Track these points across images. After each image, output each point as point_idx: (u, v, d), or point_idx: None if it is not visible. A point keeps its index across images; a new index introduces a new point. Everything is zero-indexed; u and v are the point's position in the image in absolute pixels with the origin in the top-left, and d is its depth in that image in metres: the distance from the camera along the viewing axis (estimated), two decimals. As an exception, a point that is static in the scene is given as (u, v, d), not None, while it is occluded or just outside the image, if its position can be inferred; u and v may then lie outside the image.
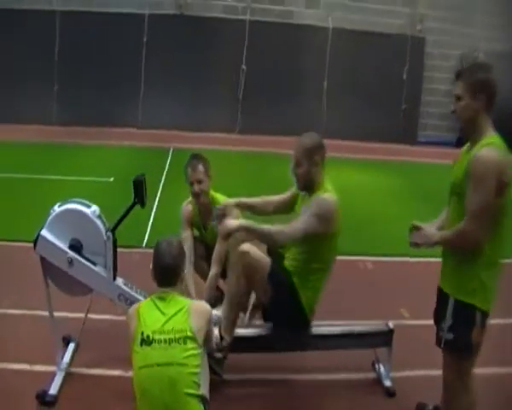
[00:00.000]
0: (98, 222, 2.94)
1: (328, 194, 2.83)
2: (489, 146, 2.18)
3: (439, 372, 2.47)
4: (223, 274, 3.64)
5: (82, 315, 3.25)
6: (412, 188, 8.24)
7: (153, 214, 6.01)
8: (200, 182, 3.37)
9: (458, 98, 2.25)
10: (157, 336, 2.25)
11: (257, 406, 3.07)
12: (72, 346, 3.33)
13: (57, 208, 2.96)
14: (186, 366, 2.23)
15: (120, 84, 10.85)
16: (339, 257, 3.09)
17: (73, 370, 3.19)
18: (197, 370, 2.29)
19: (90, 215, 2.92)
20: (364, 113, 10.88)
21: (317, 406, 3.12)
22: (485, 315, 2.28)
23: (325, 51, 10.96)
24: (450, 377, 2.39)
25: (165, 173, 8.02)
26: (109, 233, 2.88)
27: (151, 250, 2.50)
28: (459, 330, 2.29)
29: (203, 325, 2.36)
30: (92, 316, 3.33)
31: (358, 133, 10.75)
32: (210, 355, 3.00)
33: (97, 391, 3.03)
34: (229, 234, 2.83)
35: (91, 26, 10.55)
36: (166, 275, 2.39)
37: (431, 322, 2.52)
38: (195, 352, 2.28)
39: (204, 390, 2.39)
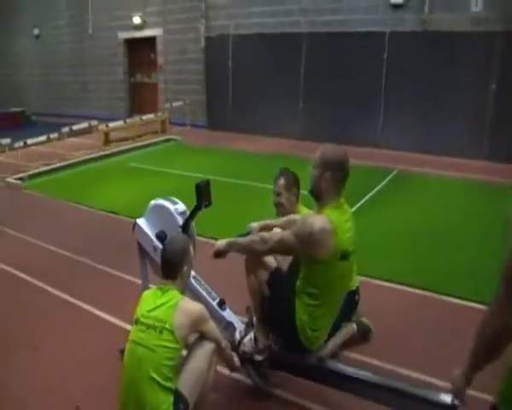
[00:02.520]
0: (179, 218, 3.37)
1: (322, 217, 2.64)
2: None
3: None
4: None
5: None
6: None
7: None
8: (278, 194, 3.51)
9: None
10: (142, 319, 2.54)
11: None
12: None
13: (152, 202, 3.53)
14: (155, 353, 2.43)
15: (361, 103, 11.11)
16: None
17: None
18: (169, 362, 2.45)
19: (173, 211, 3.38)
20: None
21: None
22: None
23: None
24: None
25: (372, 193, 7.94)
26: (179, 229, 3.28)
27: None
28: None
29: (186, 323, 2.50)
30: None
31: None
32: (251, 361, 3.14)
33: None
34: (218, 253, 2.97)
35: (334, 47, 11.17)
36: (167, 269, 2.65)
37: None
38: (170, 345, 2.45)
39: (182, 387, 2.52)
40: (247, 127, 12.59)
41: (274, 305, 2.95)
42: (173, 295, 2.58)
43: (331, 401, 3.15)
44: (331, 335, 3.32)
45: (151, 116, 13.24)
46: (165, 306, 2.52)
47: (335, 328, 3.40)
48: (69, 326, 4.21)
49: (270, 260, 3.00)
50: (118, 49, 15.63)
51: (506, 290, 1.50)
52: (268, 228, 3.23)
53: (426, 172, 9.02)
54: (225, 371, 3.22)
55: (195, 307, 2.66)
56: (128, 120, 12.95)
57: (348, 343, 3.67)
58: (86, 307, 4.49)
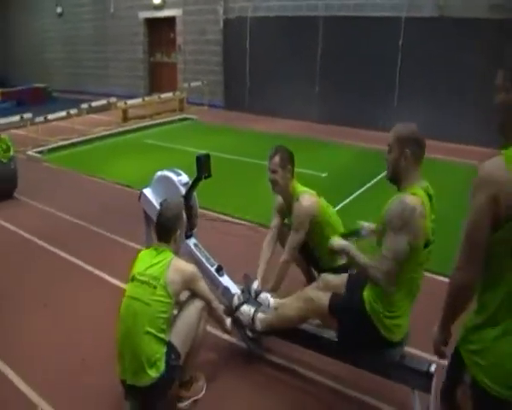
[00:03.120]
0: (182, 188, 3.59)
1: (412, 197, 2.47)
2: None
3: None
4: (310, 260, 3.83)
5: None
6: None
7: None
8: (273, 172, 3.53)
9: None
10: (138, 276, 2.78)
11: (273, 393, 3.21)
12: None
13: (158, 173, 3.75)
14: (150, 307, 2.67)
15: (376, 88, 11.15)
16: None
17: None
18: (162, 315, 2.69)
19: (176, 182, 3.60)
20: None
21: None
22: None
23: None
24: None
25: (377, 179, 7.97)
26: (181, 198, 3.49)
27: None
28: None
29: (178, 280, 2.75)
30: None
31: None
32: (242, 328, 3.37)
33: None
34: (332, 250, 2.87)
35: (349, 31, 11.20)
36: (161, 232, 2.88)
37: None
38: (163, 299, 2.69)
39: (174, 339, 2.77)
40: (264, 109, 12.73)
41: (347, 319, 2.81)
42: (167, 255, 2.82)
43: (320, 366, 3.33)
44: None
45: (169, 95, 13.46)
46: (160, 264, 2.76)
47: None
48: (79, 288, 4.52)
49: (323, 298, 2.90)
50: (138, 28, 15.83)
51: (468, 247, 1.73)
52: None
53: (438, 159, 9.02)
54: (220, 333, 3.46)
55: (187, 266, 2.89)
56: (146, 98, 13.21)
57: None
58: (97, 271, 4.79)
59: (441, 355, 2.03)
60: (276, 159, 3.52)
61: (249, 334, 3.34)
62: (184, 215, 2.98)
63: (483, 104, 9.87)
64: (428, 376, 2.75)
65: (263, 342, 3.51)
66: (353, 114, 11.43)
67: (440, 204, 2.57)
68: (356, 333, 2.78)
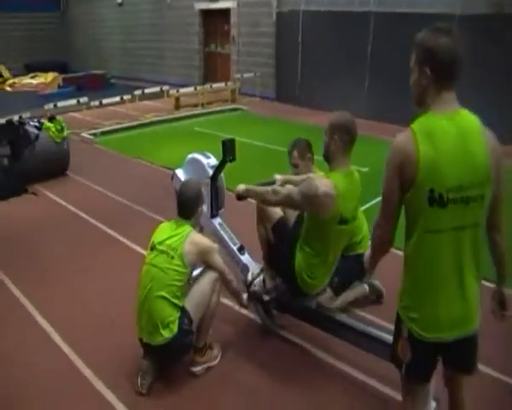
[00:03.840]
0: (210, 170, 3.82)
1: (327, 182, 2.86)
2: None
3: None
4: None
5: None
6: None
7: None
8: (295, 166, 3.71)
9: None
10: (157, 246, 3.03)
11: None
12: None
13: (189, 155, 4.00)
14: (165, 274, 2.93)
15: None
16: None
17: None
18: (177, 283, 2.95)
19: (205, 164, 3.84)
20: None
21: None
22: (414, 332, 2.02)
23: None
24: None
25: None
26: (208, 180, 3.72)
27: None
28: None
29: (194, 251, 2.99)
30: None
31: None
32: (260, 301, 3.56)
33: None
34: (239, 196, 3.30)
35: (401, 27, 10.98)
36: (181, 209, 3.13)
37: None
38: (179, 269, 2.94)
39: (188, 305, 3.01)
40: (314, 102, 12.71)
41: (277, 250, 3.33)
42: (186, 228, 3.06)
43: (331, 346, 3.45)
44: (341, 292, 3.69)
45: (221, 85, 13.74)
46: (178, 236, 3.01)
47: (344, 286, 3.73)
48: (114, 257, 4.90)
49: (277, 211, 3.36)
50: (194, 19, 16.21)
51: (384, 207, 1.99)
52: (290, 182, 3.51)
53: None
54: (239, 308, 3.66)
55: (203, 239, 3.13)
56: (198, 88, 13.57)
57: (361, 303, 3.94)
58: (132, 245, 5.13)
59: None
60: (295, 153, 3.70)
61: (265, 297, 3.48)
62: (208, 194, 3.20)
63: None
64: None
65: (277, 319, 3.68)
66: (402, 112, 11.18)
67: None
68: (281, 268, 3.33)
